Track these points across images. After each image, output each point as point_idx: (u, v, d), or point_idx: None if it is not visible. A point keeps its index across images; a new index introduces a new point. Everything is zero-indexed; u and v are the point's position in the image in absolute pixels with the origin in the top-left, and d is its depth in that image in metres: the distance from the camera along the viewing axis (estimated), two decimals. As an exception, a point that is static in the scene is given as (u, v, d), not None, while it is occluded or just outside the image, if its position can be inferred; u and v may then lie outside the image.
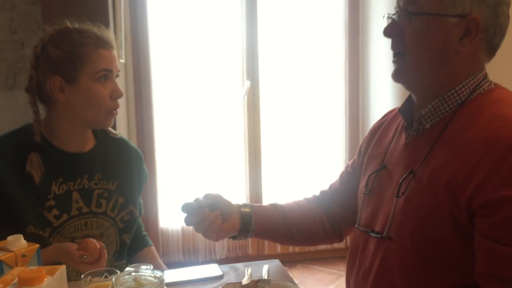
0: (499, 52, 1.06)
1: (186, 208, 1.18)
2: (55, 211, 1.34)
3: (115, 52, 1.39)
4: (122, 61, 2.75)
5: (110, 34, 1.40)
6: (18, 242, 1.01)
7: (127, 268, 1.05)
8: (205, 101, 3.10)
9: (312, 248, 3.22)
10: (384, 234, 1.05)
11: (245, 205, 1.28)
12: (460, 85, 1.01)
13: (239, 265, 1.34)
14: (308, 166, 3.30)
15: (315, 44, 3.21)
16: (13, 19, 2.86)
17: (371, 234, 1.10)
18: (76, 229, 1.38)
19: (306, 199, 1.39)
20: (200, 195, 1.22)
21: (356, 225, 1.18)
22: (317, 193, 1.41)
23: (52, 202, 1.34)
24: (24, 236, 1.18)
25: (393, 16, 1.05)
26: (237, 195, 3.19)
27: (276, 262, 1.36)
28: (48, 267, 0.89)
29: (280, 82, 3.22)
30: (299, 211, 1.34)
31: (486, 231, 0.89)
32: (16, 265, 0.97)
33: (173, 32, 3.03)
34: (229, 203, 1.25)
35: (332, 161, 3.31)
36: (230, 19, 3.08)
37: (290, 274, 1.31)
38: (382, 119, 1.27)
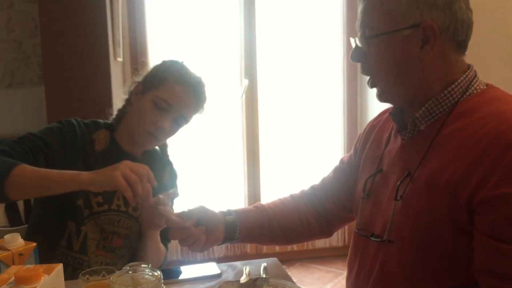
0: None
1: (170, 223, 1.19)
2: (99, 199, 1.40)
3: (192, 100, 1.43)
4: (120, 59, 2.74)
5: (203, 89, 1.46)
6: (15, 241, 1.01)
7: (125, 267, 1.05)
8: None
9: (310, 247, 3.22)
10: (384, 238, 1.04)
11: (229, 213, 1.29)
12: (453, 85, 1.01)
13: (237, 263, 1.34)
14: (307, 164, 3.30)
15: (313, 42, 3.21)
16: (10, 17, 2.86)
17: (371, 238, 1.09)
18: (109, 222, 1.42)
19: (292, 196, 1.39)
20: (185, 209, 1.23)
21: (356, 229, 1.17)
22: (306, 188, 1.41)
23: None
24: (71, 209, 1.34)
25: (356, 41, 1.06)
26: (235, 194, 3.19)
27: (275, 261, 1.36)
28: (45, 266, 0.88)
29: (278, 80, 3.21)
30: (284, 211, 1.34)
31: (485, 228, 0.88)
32: (13, 264, 0.97)
33: (171, 31, 3.02)
34: (213, 215, 1.26)
35: (331, 160, 3.30)
36: (228, 18, 3.08)
37: (289, 273, 1.31)
38: (378, 118, 1.27)
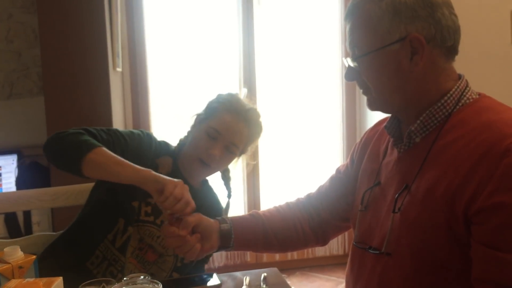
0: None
1: (166, 231, 1.20)
2: (148, 209, 1.44)
3: (242, 128, 1.48)
4: (119, 69, 2.75)
5: (256, 119, 1.53)
6: (15, 254, 1.01)
7: (125, 278, 1.05)
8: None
9: (310, 255, 3.21)
10: (382, 250, 1.05)
11: (224, 221, 1.29)
12: (446, 97, 1.01)
13: (238, 273, 1.34)
14: (306, 172, 3.31)
15: (312, 50, 3.23)
16: (10, 28, 2.87)
17: (369, 251, 1.09)
18: (150, 235, 1.44)
19: (288, 204, 1.40)
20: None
21: (354, 242, 1.18)
22: (302, 195, 1.41)
23: (152, 201, 1.44)
24: (126, 207, 1.40)
25: (348, 61, 1.08)
26: (235, 202, 3.18)
27: (274, 270, 1.36)
28: (44, 280, 0.88)
29: (277, 89, 3.23)
30: (279, 219, 1.34)
31: (481, 238, 0.89)
32: (13, 277, 0.97)
33: (169, 40, 3.04)
34: (208, 223, 1.26)
35: (330, 167, 3.30)
36: (227, 27, 3.10)
37: (289, 282, 1.32)
38: (374, 129, 1.27)
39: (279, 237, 1.32)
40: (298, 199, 1.41)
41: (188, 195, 1.23)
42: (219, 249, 1.29)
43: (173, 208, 1.21)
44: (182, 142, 1.55)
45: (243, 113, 1.48)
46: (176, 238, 1.20)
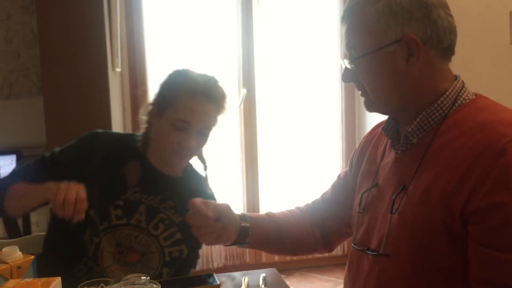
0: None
1: (193, 207, 1.18)
2: (119, 212, 1.39)
3: (210, 109, 1.39)
4: (118, 70, 2.75)
5: (216, 89, 1.41)
6: (13, 254, 1.01)
7: (124, 278, 1.05)
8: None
9: (309, 256, 3.21)
10: (380, 252, 1.05)
11: (245, 218, 1.27)
12: (442, 98, 1.01)
13: (236, 274, 1.35)
14: (305, 173, 3.30)
15: (311, 51, 3.23)
16: (8, 28, 2.87)
17: (367, 252, 1.09)
18: (127, 237, 1.40)
19: (299, 209, 1.39)
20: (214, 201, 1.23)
21: (352, 244, 1.18)
22: (309, 202, 1.41)
23: (121, 203, 1.40)
24: (86, 218, 1.31)
25: (345, 63, 1.08)
26: (234, 203, 3.19)
27: (273, 271, 1.36)
28: (43, 280, 0.88)
29: (276, 89, 3.23)
30: (292, 222, 1.34)
31: (479, 237, 0.89)
32: (12, 277, 0.97)
33: (169, 40, 3.03)
34: (233, 217, 1.24)
35: (329, 169, 3.31)
36: (226, 27, 3.10)
37: (288, 282, 1.32)
38: (372, 132, 1.27)
39: (292, 240, 1.32)
40: (306, 205, 1.41)
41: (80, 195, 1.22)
42: (234, 243, 1.27)
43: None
44: (144, 139, 1.46)
45: (204, 92, 1.37)
46: (200, 216, 1.17)
